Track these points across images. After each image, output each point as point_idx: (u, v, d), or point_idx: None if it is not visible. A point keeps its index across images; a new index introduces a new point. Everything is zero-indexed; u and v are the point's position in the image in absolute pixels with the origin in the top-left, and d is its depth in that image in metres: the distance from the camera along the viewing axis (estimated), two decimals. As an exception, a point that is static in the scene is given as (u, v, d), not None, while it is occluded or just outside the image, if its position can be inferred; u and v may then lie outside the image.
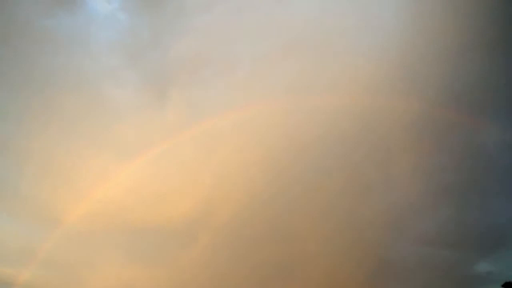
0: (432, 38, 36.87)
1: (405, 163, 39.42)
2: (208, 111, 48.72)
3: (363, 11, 41.08)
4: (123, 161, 48.48)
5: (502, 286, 27.21)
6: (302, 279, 38.06)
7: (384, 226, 39.48)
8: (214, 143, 46.74)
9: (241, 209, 43.90)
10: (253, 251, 42.78)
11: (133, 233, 47.66)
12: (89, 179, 48.14)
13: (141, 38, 52.91)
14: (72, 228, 47.41)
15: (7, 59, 48.17)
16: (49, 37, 48.47)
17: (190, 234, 46.48)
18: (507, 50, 36.18)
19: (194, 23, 48.55)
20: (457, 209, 39.97)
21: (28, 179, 47.70)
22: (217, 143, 46.29)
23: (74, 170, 48.41)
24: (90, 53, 52.25)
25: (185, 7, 46.18)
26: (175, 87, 51.84)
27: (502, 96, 37.75)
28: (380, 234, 39.59)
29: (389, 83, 37.91)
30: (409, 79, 37.77)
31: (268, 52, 44.15)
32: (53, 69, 49.08)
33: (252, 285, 40.68)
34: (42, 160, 47.23)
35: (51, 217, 47.20)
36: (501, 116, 38.19)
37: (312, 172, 41.77)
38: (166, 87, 53.14)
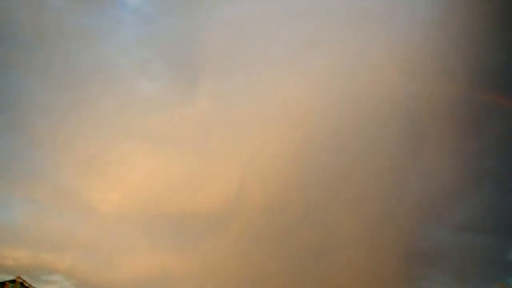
0: (467, 19, 36.14)
1: (440, 148, 38.84)
2: (239, 101, 49.07)
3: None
4: (156, 152, 49.41)
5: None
6: (336, 266, 38.08)
7: (418, 213, 39.06)
8: (245, 133, 47.13)
9: (273, 197, 44.20)
10: (285, 238, 43.00)
11: (166, 221, 48.57)
12: (122, 170, 49.29)
13: (170, 31, 53.64)
14: (107, 216, 48.62)
15: (42, 58, 49.57)
16: (81, 34, 49.58)
17: (222, 222, 47.03)
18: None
19: (223, 14, 48.90)
20: (492, 195, 39.21)
21: (65, 171, 49.16)
22: (248, 132, 46.63)
23: (108, 161, 49.59)
24: (120, 47, 53.36)
25: (213, -2, 46.62)
26: (205, 78, 52.35)
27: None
28: (414, 221, 39.23)
29: (425, 67, 37.33)
30: (444, 62, 37.12)
31: (300, 39, 44.09)
32: (86, 65, 50.22)
33: (283, 273, 40.97)
34: (78, 152, 48.52)
35: (88, 205, 48.51)
36: (540, 98, 37.18)
37: (345, 159, 41.62)
38: (196, 78, 53.72)
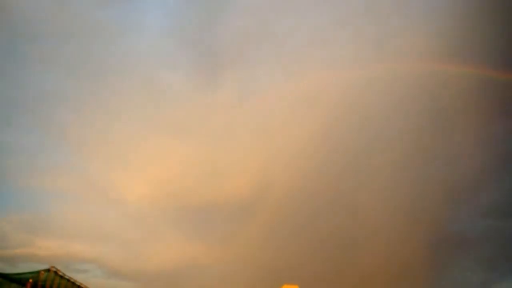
0: (491, 4, 34.97)
1: (468, 130, 37.91)
2: (261, 88, 49.16)
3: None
4: (179, 142, 50.13)
5: None
6: (364, 252, 37.83)
7: (447, 197, 38.36)
8: (269, 120, 47.20)
9: (299, 183, 44.23)
10: (311, 226, 43.06)
11: (192, 211, 49.48)
12: (147, 160, 50.31)
13: (191, 21, 53.87)
14: (136, 207, 49.91)
15: (68, 53, 50.57)
16: (103, 26, 50.34)
17: (248, 210, 47.52)
18: None
19: (243, 2, 48.62)
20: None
21: (94, 164, 50.46)
22: (272, 120, 46.69)
23: (135, 153, 50.69)
24: (142, 39, 53.91)
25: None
26: (227, 67, 52.62)
27: None
28: (442, 207, 38.56)
29: (451, 48, 36.41)
30: (471, 43, 36.04)
31: (322, 26, 43.60)
32: (109, 57, 51.08)
33: (310, 260, 41.00)
34: (106, 145, 49.70)
35: (116, 197, 49.91)
36: None
37: (373, 144, 41.19)
38: (217, 67, 54.05)
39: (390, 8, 40.08)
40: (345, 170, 41.36)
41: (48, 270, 20.18)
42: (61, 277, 21.55)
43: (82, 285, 24.55)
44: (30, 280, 18.92)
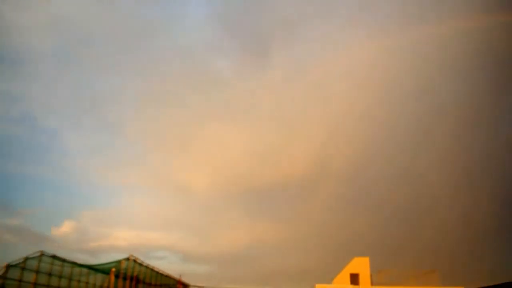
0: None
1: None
2: (314, 66, 48.30)
3: None
4: (237, 127, 50.83)
5: None
6: (430, 220, 36.52)
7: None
8: (324, 97, 46.45)
9: (358, 158, 43.43)
10: (374, 195, 42.20)
11: (255, 192, 50.29)
12: (208, 148, 51.58)
13: (235, 6, 53.79)
14: (201, 194, 51.59)
15: (119, 52, 52.57)
16: (150, 23, 51.68)
17: (309, 188, 47.49)
18: None
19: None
20: None
21: (158, 156, 52.63)
22: (327, 97, 45.89)
23: (194, 141, 52.17)
24: (188, 30, 54.74)
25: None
26: (276, 46, 52.17)
27: None
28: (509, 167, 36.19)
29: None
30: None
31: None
32: (158, 52, 52.49)
33: (374, 234, 40.35)
34: (166, 136, 51.59)
35: (182, 185, 51.87)
36: None
37: (430, 111, 39.33)
38: (267, 49, 53.75)
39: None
40: (405, 141, 39.92)
41: (127, 259, 21.54)
42: (140, 264, 22.96)
43: (160, 271, 26.00)
44: (113, 269, 20.32)
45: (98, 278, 20.66)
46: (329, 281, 19.79)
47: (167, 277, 26.88)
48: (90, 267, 20.44)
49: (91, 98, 51.32)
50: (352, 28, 44.56)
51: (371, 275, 19.69)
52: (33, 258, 16.71)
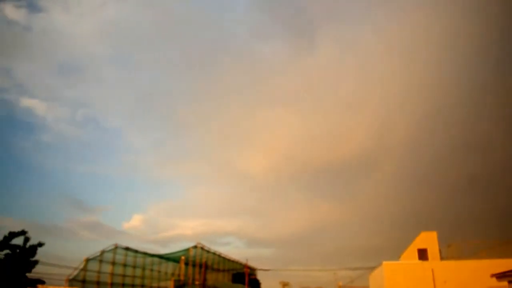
0: None
1: None
2: (363, 45, 46.58)
3: None
4: (290, 111, 50.55)
5: None
6: (506, 188, 34.31)
7: None
8: (375, 76, 44.80)
9: (416, 134, 41.62)
10: (440, 167, 40.42)
11: (314, 174, 50.04)
12: (264, 134, 51.88)
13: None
14: (259, 179, 52.16)
15: (168, 49, 53.83)
16: (192, 16, 52.32)
17: (368, 167, 46.36)
18: None
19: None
20: None
21: (213, 146, 53.83)
22: (379, 75, 44.19)
23: (249, 129, 52.71)
24: (231, 18, 54.83)
25: None
26: (323, 27, 50.94)
27: None
28: None
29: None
30: None
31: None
32: (205, 44, 53.20)
33: (445, 205, 38.76)
34: (219, 127, 52.47)
35: (242, 173, 52.74)
36: None
37: (491, 76, 36.70)
38: (313, 30, 52.71)
39: None
40: (471, 105, 37.56)
41: (195, 247, 22.43)
42: (207, 251, 23.83)
43: (226, 257, 26.83)
44: (183, 257, 21.27)
45: (169, 266, 21.73)
46: (397, 258, 19.38)
47: (234, 262, 27.66)
48: (160, 257, 21.54)
49: (149, 97, 53.27)
50: (406, 14, 42.29)
51: (440, 250, 19.02)
52: (108, 251, 17.93)
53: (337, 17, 49.86)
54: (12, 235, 7.99)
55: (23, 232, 8.09)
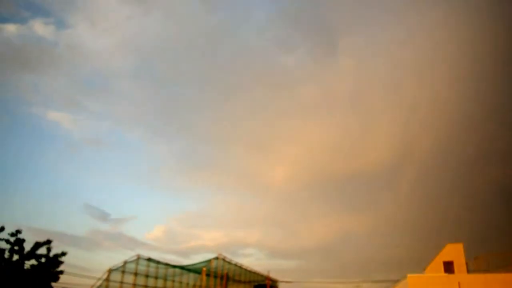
0: None
1: None
2: (386, 52, 46.27)
3: None
4: (311, 120, 50.47)
5: None
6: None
7: None
8: (400, 84, 44.30)
9: (441, 142, 40.78)
10: (465, 180, 39.47)
11: (336, 185, 49.56)
12: (284, 145, 51.83)
13: (299, 2, 53.43)
14: (281, 190, 51.98)
15: (189, 62, 54.63)
16: (216, 28, 53.02)
17: (392, 177, 45.67)
18: None
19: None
20: None
21: (235, 157, 54.02)
22: (404, 83, 43.69)
23: (269, 140, 52.77)
24: (254, 28, 55.34)
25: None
26: (344, 37, 50.93)
27: None
28: None
29: None
30: None
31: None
32: (226, 56, 53.79)
33: (470, 213, 37.76)
34: (240, 138, 52.74)
35: (262, 183, 52.71)
36: None
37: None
38: (334, 40, 52.73)
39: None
40: (496, 114, 36.66)
41: (216, 258, 22.43)
42: (229, 263, 23.77)
43: (248, 268, 26.67)
44: (204, 269, 21.29)
45: (191, 277, 21.79)
46: (421, 270, 18.93)
47: (256, 273, 27.47)
48: (182, 268, 21.63)
49: (171, 108, 54.08)
50: (429, 18, 41.82)
51: (466, 262, 18.49)
52: (131, 261, 18.10)
53: (360, 27, 49.81)
54: (38, 245, 8.21)
55: (48, 242, 8.31)
